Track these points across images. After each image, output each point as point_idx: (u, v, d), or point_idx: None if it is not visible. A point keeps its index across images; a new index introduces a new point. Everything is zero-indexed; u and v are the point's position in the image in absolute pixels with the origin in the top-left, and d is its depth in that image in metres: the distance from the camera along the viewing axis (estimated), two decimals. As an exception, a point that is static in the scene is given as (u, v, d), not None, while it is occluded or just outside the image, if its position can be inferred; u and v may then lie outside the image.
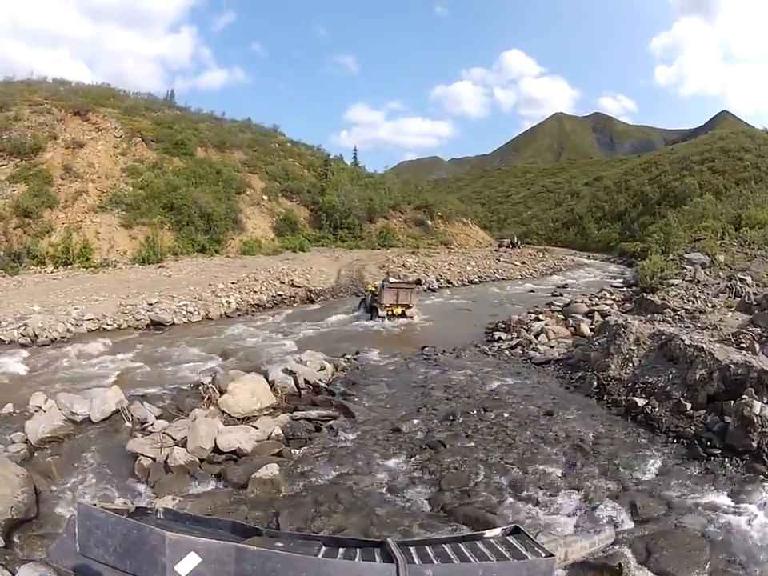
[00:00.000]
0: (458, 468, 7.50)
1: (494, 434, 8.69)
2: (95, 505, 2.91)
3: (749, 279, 16.19)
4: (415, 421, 9.21)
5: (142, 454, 7.72)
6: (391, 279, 21.83)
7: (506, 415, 9.47)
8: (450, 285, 30.28)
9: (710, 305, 14.08)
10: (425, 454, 7.92)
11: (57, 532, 5.86)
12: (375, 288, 20.60)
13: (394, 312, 19.39)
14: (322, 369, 12.21)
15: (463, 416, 9.42)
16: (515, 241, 53.16)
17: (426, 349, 15.01)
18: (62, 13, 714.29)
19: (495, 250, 46.85)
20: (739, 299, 13.90)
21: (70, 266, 27.18)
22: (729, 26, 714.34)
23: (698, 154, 61.02)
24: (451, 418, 9.36)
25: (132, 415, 9.18)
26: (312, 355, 13.02)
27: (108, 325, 17.44)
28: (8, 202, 28.81)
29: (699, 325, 12.01)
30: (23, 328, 15.93)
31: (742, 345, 9.92)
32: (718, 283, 16.65)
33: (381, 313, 19.39)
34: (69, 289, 21.53)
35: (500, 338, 16.13)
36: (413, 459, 7.81)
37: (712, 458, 7.38)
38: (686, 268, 19.43)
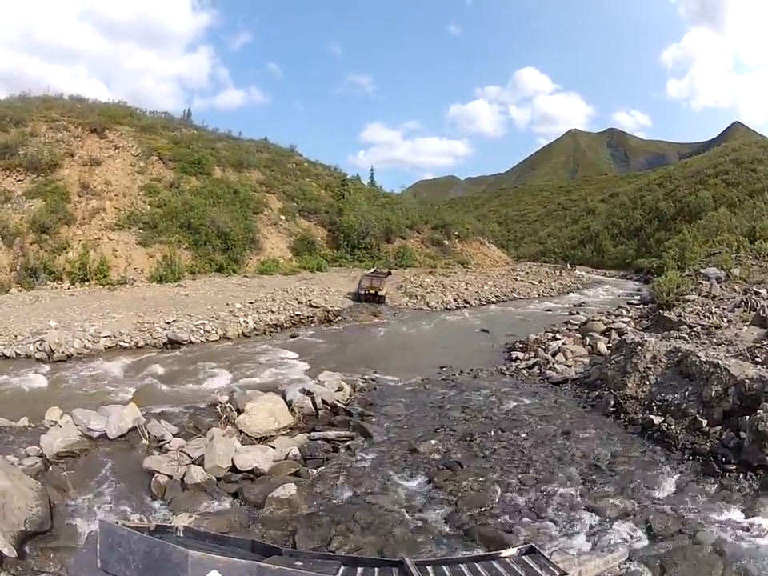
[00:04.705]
0: (475, 488, 7.54)
1: (510, 455, 8.72)
2: (117, 522, 3.02)
3: (764, 292, 16.07)
4: (432, 441, 9.24)
5: (159, 472, 7.83)
6: (370, 270, 32.11)
7: (523, 435, 9.51)
8: (467, 304, 30.09)
9: (725, 320, 14.01)
10: (442, 475, 7.97)
11: (71, 545, 6.01)
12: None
13: (369, 292, 26.88)
14: (340, 389, 12.24)
15: (480, 436, 9.45)
16: (568, 266, 56.34)
17: (444, 369, 15.08)
18: (78, 29, 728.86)
19: (559, 273, 49.19)
20: (754, 313, 13.83)
21: (86, 283, 27.56)
22: (738, 34, 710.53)
23: (711, 167, 60.53)
24: (468, 438, 9.40)
25: (149, 433, 9.32)
26: (330, 376, 13.12)
27: (125, 342, 17.51)
28: (25, 217, 29.29)
29: (715, 340, 11.99)
30: (39, 343, 16.08)
31: (757, 359, 9.91)
32: (734, 297, 16.52)
33: (361, 292, 27.10)
34: (85, 305, 21.72)
35: (517, 358, 16.15)
36: (430, 479, 7.87)
37: (727, 474, 7.40)
38: (701, 283, 19.29)
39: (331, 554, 5.30)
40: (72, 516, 6.81)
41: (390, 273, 33.36)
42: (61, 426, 9.40)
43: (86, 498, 7.28)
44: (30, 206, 30.22)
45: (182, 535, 3.30)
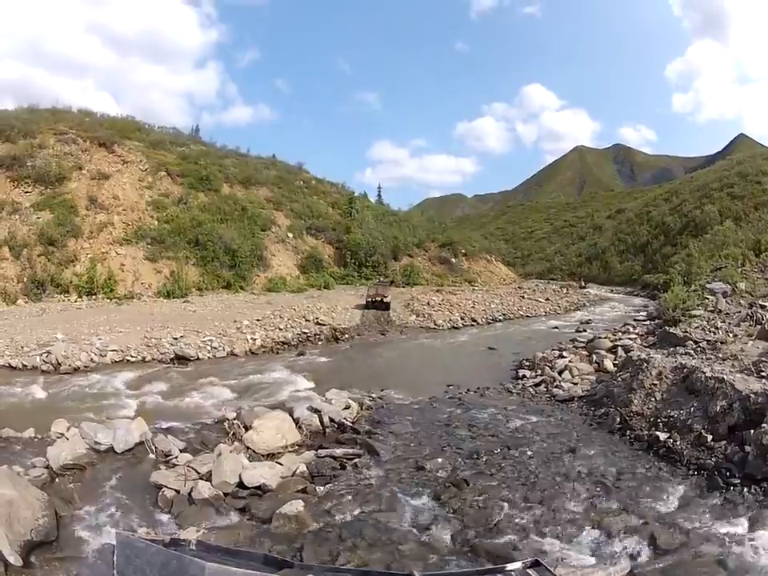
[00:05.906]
0: (481, 505, 7.57)
1: (517, 472, 8.76)
2: (133, 534, 3.10)
3: (769, 306, 16.11)
4: (439, 459, 9.27)
5: (166, 486, 7.88)
6: (377, 280, 35.94)
7: (529, 453, 9.54)
8: (474, 323, 30.02)
9: (731, 334, 14.02)
10: (448, 492, 8.00)
11: (77, 556, 6.09)
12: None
13: (375, 299, 28.72)
14: (347, 407, 12.23)
15: (487, 454, 9.48)
16: (582, 283, 58.72)
17: (451, 387, 15.08)
18: (85, 42, 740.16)
19: (566, 291, 50.35)
20: (760, 327, 13.85)
21: (94, 297, 27.77)
22: (741, 44, 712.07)
23: (716, 180, 60.42)
24: (475, 456, 9.43)
25: (156, 447, 9.35)
26: (337, 393, 13.14)
27: (132, 357, 17.53)
28: (32, 229, 29.45)
29: (720, 356, 12.02)
30: (46, 355, 16.15)
31: (762, 374, 9.93)
32: (739, 312, 16.55)
33: (368, 300, 28.91)
34: (92, 319, 21.78)
35: (524, 376, 16.16)
36: (437, 497, 7.90)
37: (732, 487, 7.45)
38: (707, 298, 19.30)
39: (342, 567, 5.35)
40: (78, 527, 6.85)
41: (392, 282, 39.44)
42: (68, 439, 9.44)
43: (92, 510, 7.33)
44: (38, 218, 30.39)
45: (194, 548, 3.36)
